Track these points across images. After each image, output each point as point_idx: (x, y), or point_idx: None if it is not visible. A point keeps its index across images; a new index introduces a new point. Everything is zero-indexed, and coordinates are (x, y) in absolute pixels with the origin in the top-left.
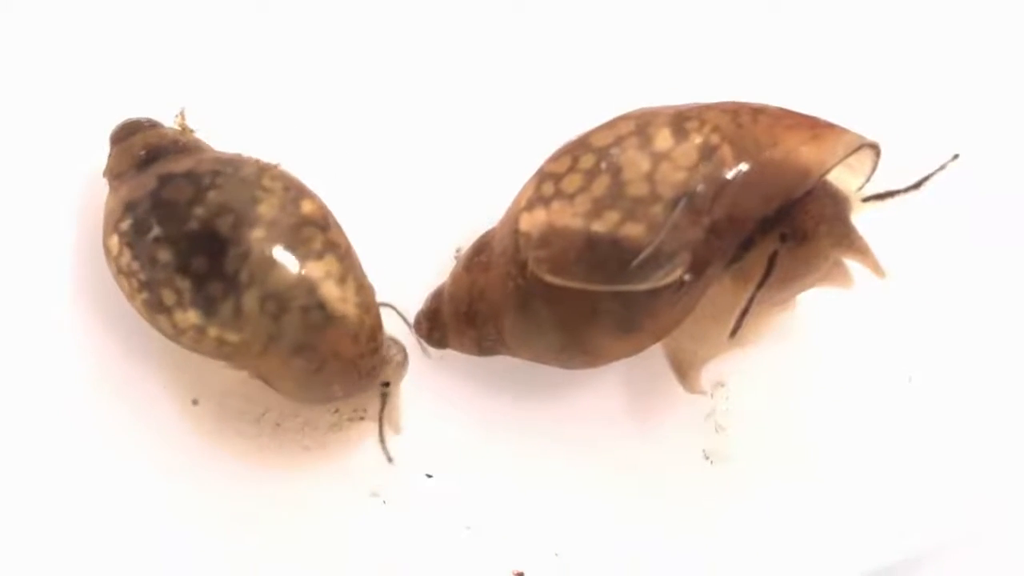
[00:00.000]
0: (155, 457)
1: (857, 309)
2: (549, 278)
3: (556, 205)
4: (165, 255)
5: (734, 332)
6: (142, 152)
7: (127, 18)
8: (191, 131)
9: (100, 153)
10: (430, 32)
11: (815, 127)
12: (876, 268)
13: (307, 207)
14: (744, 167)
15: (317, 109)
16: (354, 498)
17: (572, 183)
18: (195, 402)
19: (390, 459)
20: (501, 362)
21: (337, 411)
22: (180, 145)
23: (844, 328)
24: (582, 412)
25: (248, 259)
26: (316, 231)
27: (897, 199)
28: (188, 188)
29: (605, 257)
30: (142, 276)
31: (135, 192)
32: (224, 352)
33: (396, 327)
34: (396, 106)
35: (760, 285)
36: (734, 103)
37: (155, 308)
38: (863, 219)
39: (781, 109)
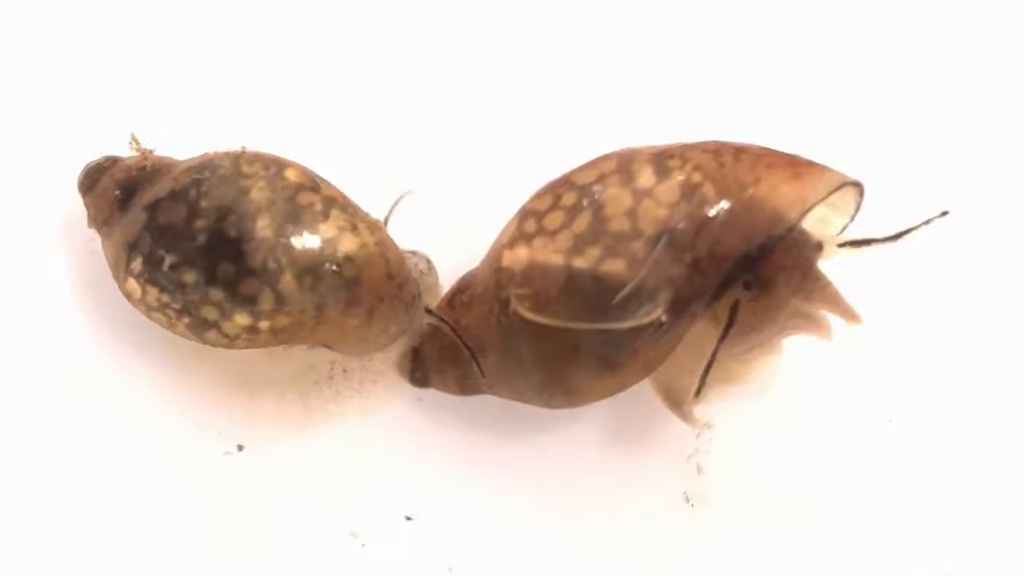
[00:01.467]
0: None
1: (837, 351)
2: (530, 316)
3: (538, 242)
4: (190, 276)
5: (699, 391)
6: (117, 192)
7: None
8: (150, 151)
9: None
10: (415, 70)
11: (797, 165)
12: (847, 315)
13: (292, 175)
14: (726, 205)
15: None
16: (333, 538)
17: (554, 220)
18: (240, 447)
19: None
20: (483, 402)
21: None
22: (149, 170)
23: (824, 370)
24: (564, 452)
25: (267, 246)
26: (311, 194)
27: (874, 247)
28: (180, 207)
29: (586, 294)
30: (176, 304)
31: (130, 231)
32: (281, 338)
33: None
34: (381, 146)
35: (723, 335)
36: (716, 142)
37: (201, 327)
38: (839, 259)
39: (763, 148)
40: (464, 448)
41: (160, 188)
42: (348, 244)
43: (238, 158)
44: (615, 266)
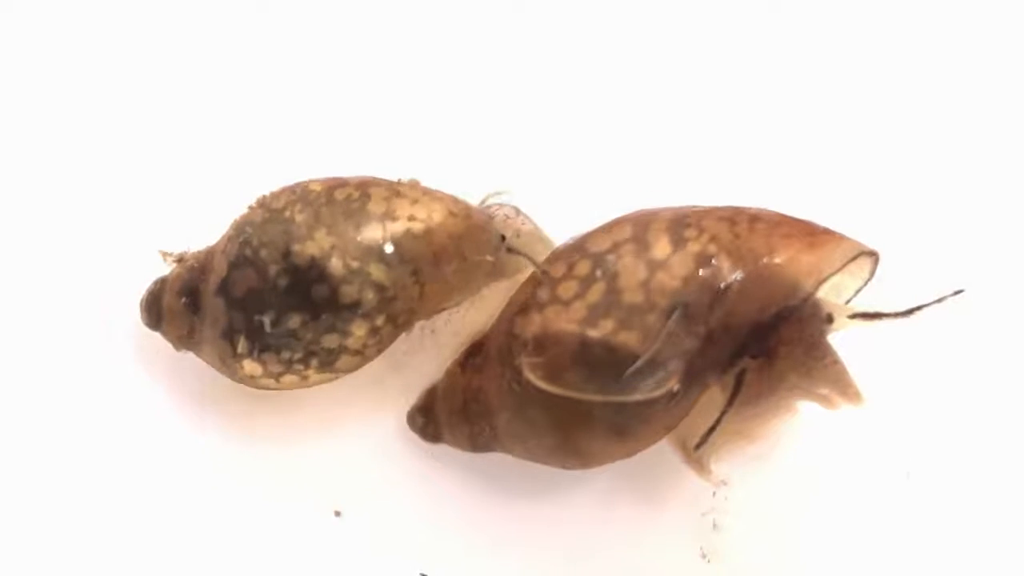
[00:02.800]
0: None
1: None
2: (543, 385)
3: (551, 310)
4: (295, 320)
5: (699, 446)
6: (184, 300)
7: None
8: (185, 252)
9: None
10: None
11: (812, 234)
12: (849, 396)
13: (316, 186)
14: (740, 276)
15: None
16: None
17: (567, 289)
18: (337, 514)
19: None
20: (496, 458)
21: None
22: (196, 267)
23: (840, 424)
24: (579, 507)
25: (339, 252)
26: (342, 189)
27: (886, 321)
28: (247, 270)
29: (599, 364)
30: (298, 354)
31: (218, 322)
32: (402, 324)
33: None
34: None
35: (729, 403)
36: (732, 209)
37: (333, 360)
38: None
39: (779, 215)
40: (476, 507)
41: (217, 271)
42: (413, 216)
43: (262, 204)
44: (628, 338)
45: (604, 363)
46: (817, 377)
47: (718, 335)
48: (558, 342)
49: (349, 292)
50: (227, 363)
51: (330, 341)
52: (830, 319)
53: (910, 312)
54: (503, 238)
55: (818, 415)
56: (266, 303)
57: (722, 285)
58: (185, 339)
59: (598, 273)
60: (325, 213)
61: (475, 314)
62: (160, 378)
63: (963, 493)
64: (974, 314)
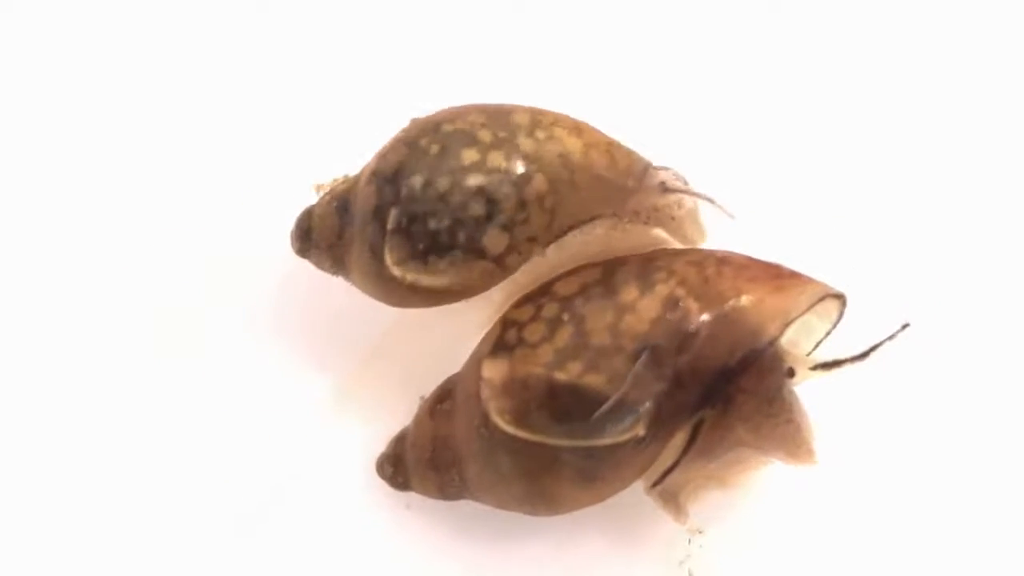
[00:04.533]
0: None
1: (827, 459)
2: (511, 429)
3: (519, 354)
4: (443, 183)
5: (656, 483)
6: (335, 203)
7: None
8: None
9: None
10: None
11: (779, 277)
12: (798, 456)
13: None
14: (708, 319)
15: None
16: None
17: (535, 332)
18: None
19: None
20: (468, 505)
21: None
22: (346, 183)
23: (815, 476)
24: (553, 555)
25: (491, 124)
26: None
27: (845, 367)
28: (401, 147)
29: (567, 408)
30: (445, 222)
31: (368, 206)
32: (559, 212)
33: None
34: None
35: (684, 452)
36: (700, 252)
37: (478, 233)
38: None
39: (746, 258)
40: (451, 554)
41: (367, 167)
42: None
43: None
44: (596, 381)
45: (572, 406)
46: (765, 435)
47: (686, 378)
48: (525, 386)
49: (496, 158)
50: (376, 254)
51: (475, 209)
52: (791, 373)
53: (866, 354)
54: (652, 170)
55: (794, 469)
56: (415, 169)
57: (690, 328)
58: (335, 247)
59: (565, 316)
60: (474, 108)
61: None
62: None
63: (930, 553)
64: (945, 371)
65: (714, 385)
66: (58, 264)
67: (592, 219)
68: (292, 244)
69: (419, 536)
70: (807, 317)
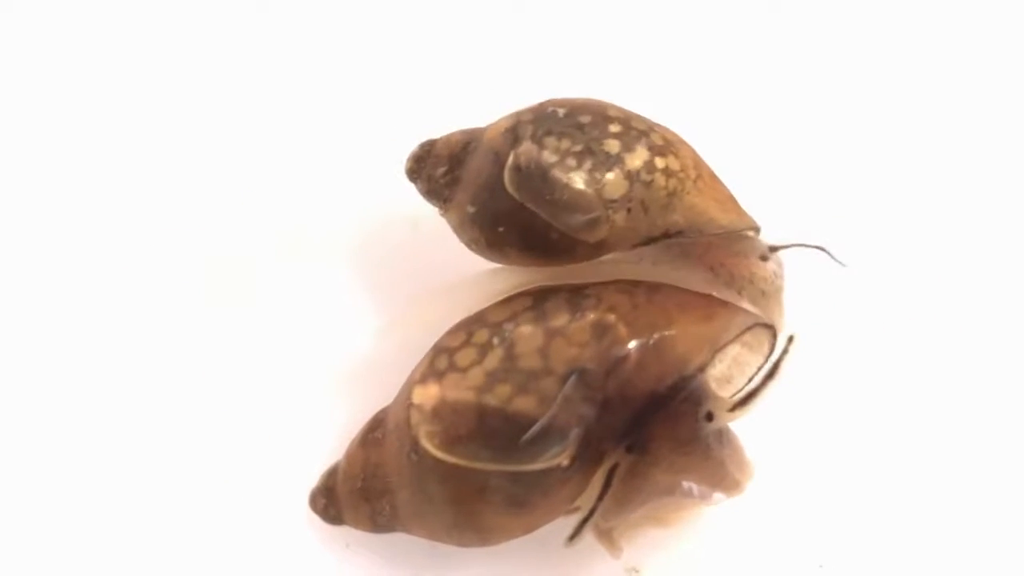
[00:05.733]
0: None
1: (767, 494)
2: (439, 454)
3: (449, 379)
4: (585, 116)
5: (572, 537)
6: (463, 131)
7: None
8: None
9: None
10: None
11: (709, 306)
12: (724, 487)
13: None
14: (637, 346)
15: None
16: None
17: (466, 357)
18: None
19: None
20: (403, 540)
21: (714, 271)
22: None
23: (754, 513)
24: None
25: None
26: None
27: (763, 395)
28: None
29: (496, 432)
30: (577, 147)
31: (501, 126)
32: (676, 192)
33: None
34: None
35: (600, 498)
36: (632, 281)
37: (603, 167)
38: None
39: (678, 288)
40: None
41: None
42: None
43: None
44: (525, 404)
45: (501, 430)
46: (684, 473)
47: (615, 404)
48: (455, 410)
49: (640, 122)
50: (498, 159)
51: (610, 146)
52: (710, 418)
53: (772, 374)
54: (766, 252)
55: (731, 506)
56: (561, 103)
57: (619, 354)
58: (454, 159)
59: (496, 340)
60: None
61: None
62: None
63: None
64: (882, 402)
65: (643, 412)
66: (58, 262)
67: (699, 233)
68: (407, 163)
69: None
70: (739, 351)
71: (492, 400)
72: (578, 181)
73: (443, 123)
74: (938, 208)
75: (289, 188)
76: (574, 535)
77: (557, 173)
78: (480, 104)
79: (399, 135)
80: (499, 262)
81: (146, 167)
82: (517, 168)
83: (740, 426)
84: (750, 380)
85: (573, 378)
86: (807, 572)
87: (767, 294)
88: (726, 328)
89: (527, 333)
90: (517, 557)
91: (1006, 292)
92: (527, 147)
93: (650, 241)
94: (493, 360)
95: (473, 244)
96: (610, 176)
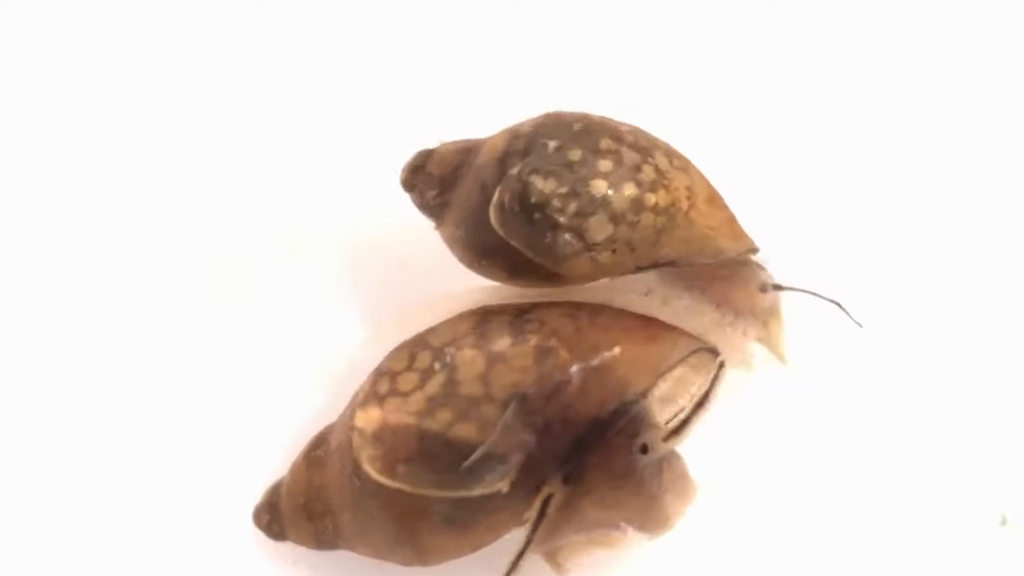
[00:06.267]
0: None
1: (714, 511)
2: (380, 478)
3: (391, 403)
4: (575, 153)
5: (508, 574)
6: (460, 144)
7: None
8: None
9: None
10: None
11: (651, 329)
12: (657, 523)
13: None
14: (579, 370)
15: None
16: None
17: (408, 381)
18: None
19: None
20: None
21: (719, 309)
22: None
23: (705, 530)
24: None
25: (636, 132)
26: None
27: (696, 422)
28: (542, 118)
29: (437, 457)
30: (562, 188)
31: (493, 153)
32: (664, 230)
33: None
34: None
35: (533, 529)
36: (575, 304)
37: (588, 211)
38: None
39: (621, 311)
40: None
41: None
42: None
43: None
44: (465, 430)
45: (441, 456)
46: (614, 508)
47: (556, 429)
48: (396, 434)
49: (633, 156)
50: (485, 191)
51: (597, 187)
52: (644, 450)
53: (703, 402)
54: (766, 282)
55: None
56: (553, 134)
57: (561, 378)
58: (446, 180)
59: (437, 365)
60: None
61: None
62: None
63: None
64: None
65: (585, 437)
66: (57, 259)
67: (682, 264)
68: (401, 174)
69: None
70: (684, 372)
71: (433, 425)
72: (561, 225)
73: (445, 125)
74: (938, 209)
75: (287, 188)
76: (509, 572)
77: (540, 217)
78: (481, 106)
79: (399, 136)
80: (491, 280)
81: (141, 166)
82: (501, 207)
83: (689, 448)
84: (682, 409)
85: (513, 405)
86: None
87: (768, 324)
88: (669, 352)
89: (468, 358)
90: (463, 572)
91: (1002, 299)
92: (512, 187)
93: (640, 270)
94: (434, 386)
95: (463, 262)
96: (594, 219)
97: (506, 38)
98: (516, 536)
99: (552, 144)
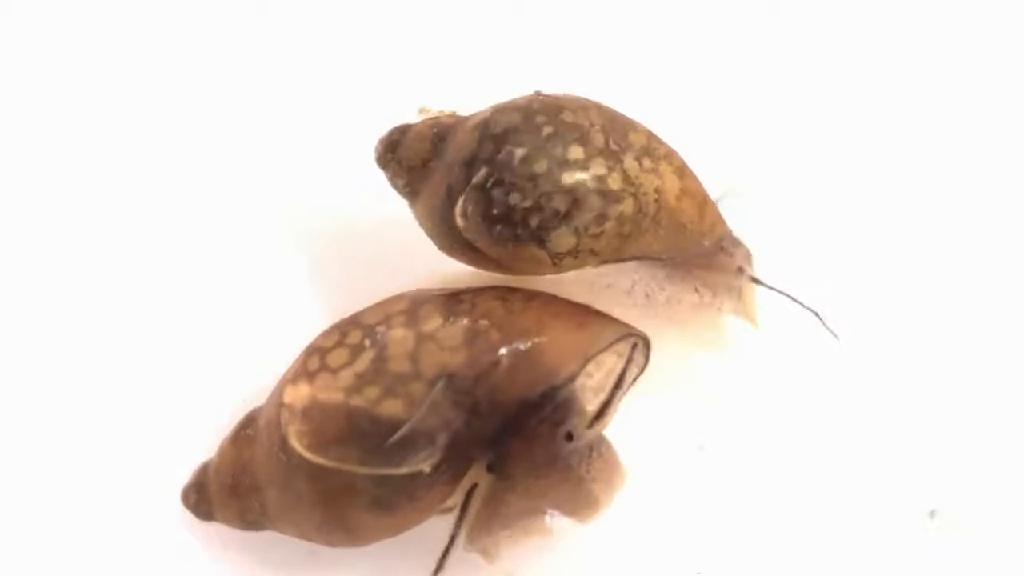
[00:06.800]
0: None
1: (642, 500)
2: (307, 454)
3: (320, 380)
4: (541, 165)
5: (436, 571)
6: (434, 130)
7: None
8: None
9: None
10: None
11: (582, 315)
12: (580, 513)
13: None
14: (508, 352)
15: None
16: None
17: (337, 358)
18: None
19: None
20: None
21: (698, 292)
22: (451, 122)
23: (628, 520)
24: None
25: (605, 131)
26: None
27: (616, 404)
28: (514, 116)
29: (363, 434)
30: (526, 203)
31: (464, 150)
32: (630, 238)
33: None
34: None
35: (459, 520)
36: (506, 287)
37: (551, 225)
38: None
39: (553, 296)
40: None
41: (477, 116)
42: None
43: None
44: (393, 407)
45: (368, 433)
46: (542, 497)
47: (484, 410)
48: (324, 411)
49: (599, 164)
50: (449, 201)
51: (560, 202)
52: (570, 437)
53: (619, 384)
54: (742, 264)
55: (605, 514)
56: (522, 140)
57: (490, 359)
58: (415, 170)
59: (367, 342)
60: (595, 108)
61: None
62: None
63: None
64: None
65: (513, 419)
66: (56, 255)
67: (655, 258)
68: (376, 150)
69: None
70: (615, 361)
71: (360, 402)
72: (523, 237)
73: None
74: (937, 209)
75: (238, 159)
76: (437, 569)
77: (503, 228)
78: (465, 87)
79: (381, 123)
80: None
81: (97, 140)
82: (465, 215)
83: (618, 433)
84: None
85: (441, 383)
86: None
87: (744, 299)
88: (597, 337)
89: (399, 337)
90: (397, 559)
91: (995, 301)
92: (476, 196)
93: (605, 264)
94: (364, 362)
95: (436, 245)
96: (556, 233)
97: (498, 19)
98: (445, 521)
99: (519, 154)
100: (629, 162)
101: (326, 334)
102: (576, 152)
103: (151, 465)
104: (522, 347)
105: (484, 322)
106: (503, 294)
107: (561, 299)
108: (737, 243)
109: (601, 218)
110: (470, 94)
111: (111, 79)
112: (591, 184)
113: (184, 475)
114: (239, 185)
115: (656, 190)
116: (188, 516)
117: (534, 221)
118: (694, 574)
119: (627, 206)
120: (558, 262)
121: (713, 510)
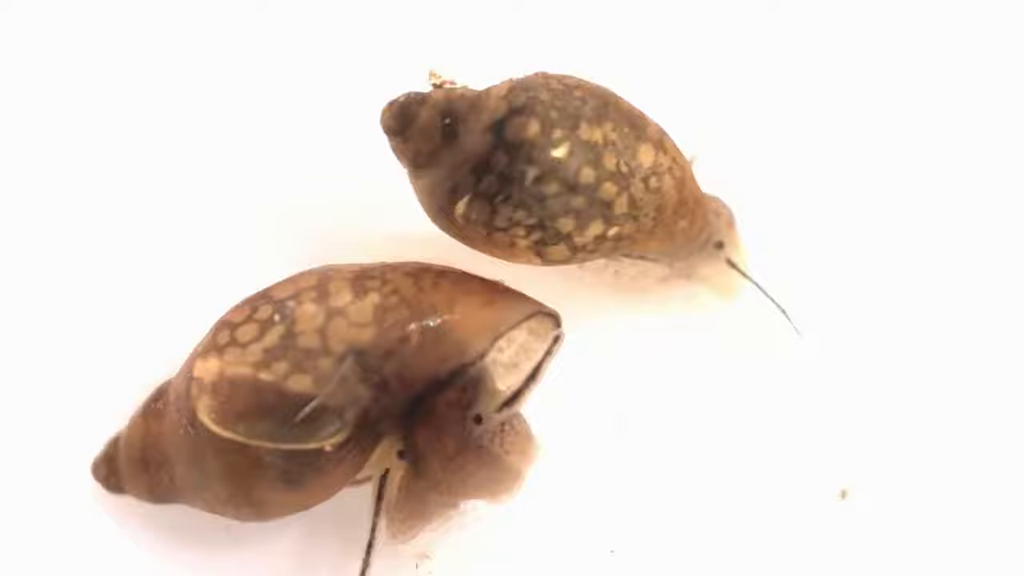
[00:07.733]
0: None
1: (559, 478)
2: (216, 428)
3: (229, 354)
4: (551, 187)
5: (364, 570)
6: (445, 120)
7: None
8: (453, 82)
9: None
10: None
11: (493, 292)
12: (497, 496)
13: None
14: (417, 328)
15: None
16: None
17: (247, 333)
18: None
19: None
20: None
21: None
22: (467, 97)
23: (544, 496)
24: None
25: (617, 150)
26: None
27: (529, 393)
28: (531, 121)
29: (271, 409)
30: (531, 220)
31: (474, 153)
32: (620, 246)
33: None
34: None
35: (376, 509)
36: (419, 264)
37: (550, 241)
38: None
39: (465, 273)
40: (166, 559)
41: (492, 109)
42: (671, 149)
43: (549, 77)
44: (301, 382)
45: (276, 408)
46: (458, 494)
47: (394, 385)
48: (233, 385)
49: (608, 190)
50: (452, 197)
51: (564, 226)
52: (479, 420)
53: (535, 375)
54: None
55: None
56: (535, 159)
57: (399, 335)
58: (422, 156)
59: (277, 317)
60: (613, 112)
61: None
62: None
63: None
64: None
65: (423, 396)
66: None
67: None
68: (383, 116)
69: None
70: (526, 338)
71: (269, 377)
72: (520, 246)
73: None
74: (937, 210)
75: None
76: (364, 568)
77: (502, 235)
78: (469, 54)
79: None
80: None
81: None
82: (466, 217)
83: (533, 409)
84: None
85: (350, 359)
86: (598, 557)
87: (722, 276)
88: (507, 315)
89: (309, 312)
90: (311, 535)
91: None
92: (481, 204)
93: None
94: (273, 337)
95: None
96: (553, 248)
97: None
98: (355, 494)
99: (531, 174)
100: (636, 186)
101: (236, 308)
102: (587, 175)
103: (64, 436)
104: (432, 324)
105: (394, 298)
106: (415, 271)
107: (473, 276)
108: (719, 211)
109: (600, 239)
110: (475, 61)
111: (93, 46)
112: (597, 210)
113: (98, 447)
114: (154, 149)
115: (657, 208)
116: (99, 489)
117: (535, 236)
118: (608, 551)
119: (626, 229)
120: (549, 264)
121: (628, 487)
